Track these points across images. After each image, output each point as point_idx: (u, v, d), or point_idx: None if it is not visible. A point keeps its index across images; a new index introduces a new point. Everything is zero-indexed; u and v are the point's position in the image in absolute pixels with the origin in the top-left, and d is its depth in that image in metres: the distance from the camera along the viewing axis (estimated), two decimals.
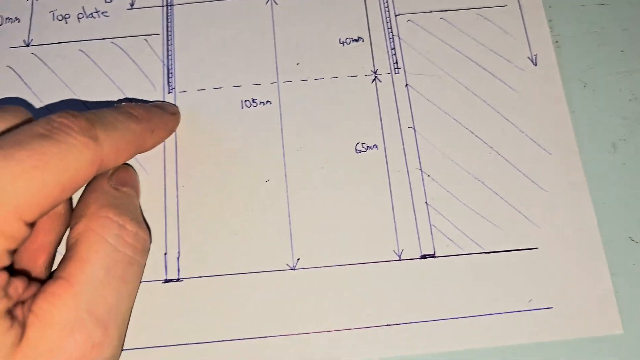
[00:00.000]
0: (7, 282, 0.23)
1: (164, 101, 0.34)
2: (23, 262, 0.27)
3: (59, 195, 0.24)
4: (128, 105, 0.29)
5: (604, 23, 0.36)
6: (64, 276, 0.25)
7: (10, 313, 0.23)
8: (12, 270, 0.24)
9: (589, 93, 0.34)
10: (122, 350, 0.27)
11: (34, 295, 0.24)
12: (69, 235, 0.26)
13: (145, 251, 0.28)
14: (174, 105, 0.33)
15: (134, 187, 0.30)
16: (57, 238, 0.29)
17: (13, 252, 0.23)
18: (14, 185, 0.22)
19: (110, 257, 0.25)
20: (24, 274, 0.27)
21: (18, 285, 0.24)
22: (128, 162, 0.31)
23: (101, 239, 0.26)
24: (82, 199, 0.28)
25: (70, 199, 0.29)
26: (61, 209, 0.28)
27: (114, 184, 0.29)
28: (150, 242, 0.30)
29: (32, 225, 0.24)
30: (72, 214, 0.28)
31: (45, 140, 0.23)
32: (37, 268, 0.28)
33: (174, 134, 0.33)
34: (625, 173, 0.33)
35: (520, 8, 0.36)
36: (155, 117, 0.30)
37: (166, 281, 0.30)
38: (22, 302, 0.24)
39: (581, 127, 0.34)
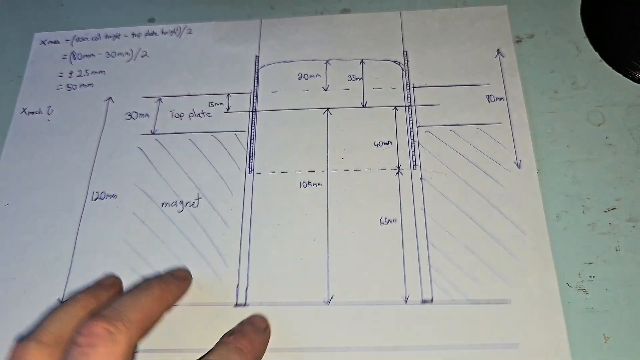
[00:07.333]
0: None
1: (177, 268, 0.44)
2: None
3: None
4: (154, 286, 0.37)
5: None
6: None
7: None
8: None
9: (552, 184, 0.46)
10: None
11: None
12: None
13: None
14: (185, 270, 0.43)
15: None
16: None
17: None
18: None
19: None
20: None
21: None
22: None
23: None
24: None
25: None
26: None
27: None
28: None
29: None
30: None
31: None
32: None
33: (255, 201, 0.46)
34: (565, 236, 0.44)
35: (511, 126, 0.48)
36: (171, 291, 0.39)
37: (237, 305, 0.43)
38: None
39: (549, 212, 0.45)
